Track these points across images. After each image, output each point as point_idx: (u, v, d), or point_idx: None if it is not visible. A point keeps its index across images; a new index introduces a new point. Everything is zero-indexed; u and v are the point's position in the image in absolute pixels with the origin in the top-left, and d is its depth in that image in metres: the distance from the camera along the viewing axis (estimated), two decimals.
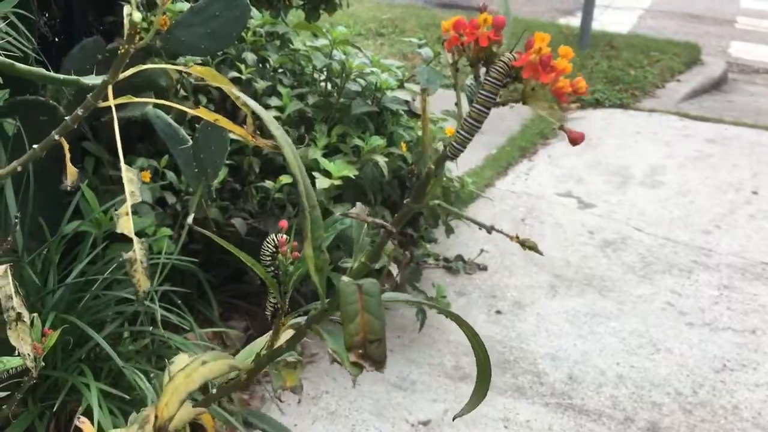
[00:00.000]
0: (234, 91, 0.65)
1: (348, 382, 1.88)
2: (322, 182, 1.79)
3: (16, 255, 1.47)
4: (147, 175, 1.68)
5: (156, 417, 0.64)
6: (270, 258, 0.71)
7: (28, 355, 0.70)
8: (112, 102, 0.61)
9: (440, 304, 2.22)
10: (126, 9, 0.56)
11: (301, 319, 0.71)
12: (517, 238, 0.59)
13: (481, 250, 2.55)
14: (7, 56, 1.13)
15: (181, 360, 0.84)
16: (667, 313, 2.33)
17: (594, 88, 4.42)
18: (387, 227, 0.62)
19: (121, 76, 0.69)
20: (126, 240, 1.73)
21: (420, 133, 2.13)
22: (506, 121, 3.94)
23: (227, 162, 1.78)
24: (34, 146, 0.66)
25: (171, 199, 1.76)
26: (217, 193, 1.82)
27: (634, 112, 4.26)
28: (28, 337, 0.71)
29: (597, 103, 4.29)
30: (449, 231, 2.39)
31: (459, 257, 2.51)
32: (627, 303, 2.38)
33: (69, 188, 0.67)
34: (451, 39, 0.60)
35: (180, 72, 1.75)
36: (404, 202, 0.64)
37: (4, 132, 1.58)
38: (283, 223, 0.74)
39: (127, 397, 1.45)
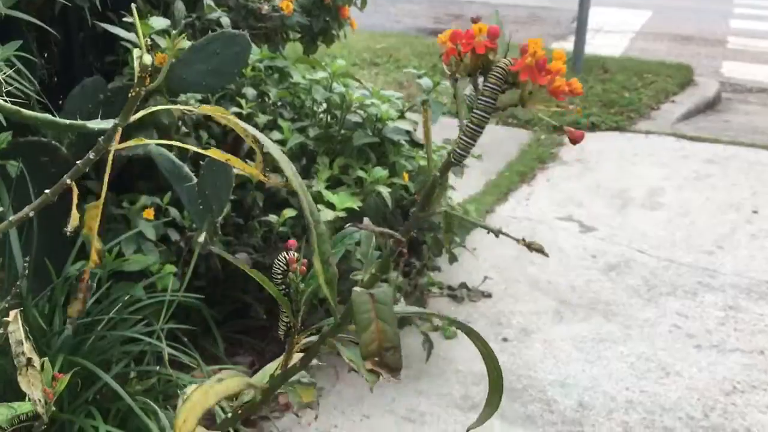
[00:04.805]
0: (239, 124, 0.65)
1: (357, 415, 1.86)
2: (326, 214, 1.79)
3: (20, 297, 1.45)
4: (150, 213, 1.67)
5: None
6: (281, 276, 0.72)
7: (39, 400, 0.69)
8: (124, 145, 0.61)
9: (446, 332, 2.21)
10: (136, 52, 0.56)
11: (315, 338, 0.71)
12: (524, 240, 0.60)
13: (485, 278, 2.54)
14: (10, 100, 1.13)
15: (192, 389, 0.84)
16: (674, 336, 2.32)
17: (589, 111, 4.44)
18: (396, 236, 0.63)
19: (132, 118, 0.69)
20: (131, 279, 1.72)
21: (422, 162, 2.13)
22: (504, 146, 3.95)
23: (230, 197, 1.77)
24: (46, 191, 0.66)
25: (174, 235, 1.75)
26: (221, 228, 1.81)
27: (631, 134, 4.27)
28: (39, 382, 0.70)
29: (593, 127, 4.30)
30: (452, 259, 2.39)
31: (463, 285, 2.50)
32: (633, 327, 2.36)
33: (69, 233, 0.67)
34: (449, 50, 0.62)
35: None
36: (410, 212, 0.65)
37: (7, 173, 1.57)
38: (292, 242, 0.74)
39: None
